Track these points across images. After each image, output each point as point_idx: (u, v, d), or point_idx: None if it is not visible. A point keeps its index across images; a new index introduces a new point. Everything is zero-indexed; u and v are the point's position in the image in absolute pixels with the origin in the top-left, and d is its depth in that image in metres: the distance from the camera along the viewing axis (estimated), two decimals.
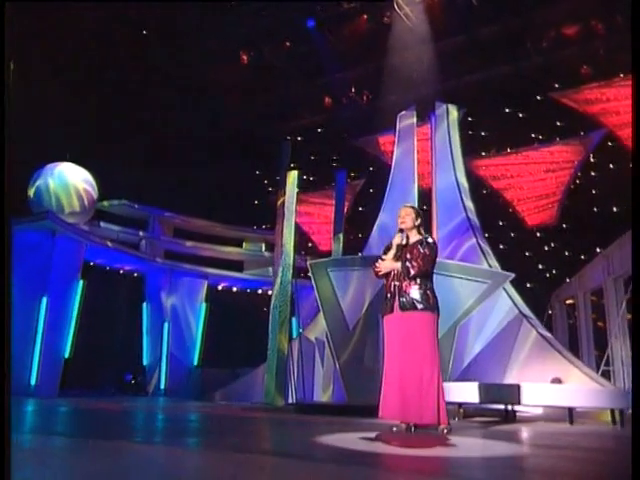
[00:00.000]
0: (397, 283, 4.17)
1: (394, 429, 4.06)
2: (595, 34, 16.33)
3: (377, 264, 4.31)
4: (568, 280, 15.99)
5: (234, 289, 16.89)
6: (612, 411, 6.90)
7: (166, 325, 14.66)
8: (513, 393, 6.10)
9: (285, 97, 17.77)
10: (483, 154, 18.88)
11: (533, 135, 19.39)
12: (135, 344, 14.88)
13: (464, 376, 8.52)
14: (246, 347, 14.48)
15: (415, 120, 12.49)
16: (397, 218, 4.41)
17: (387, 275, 4.28)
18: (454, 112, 12.34)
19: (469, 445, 3.78)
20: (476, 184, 15.42)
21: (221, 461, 2.66)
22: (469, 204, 11.57)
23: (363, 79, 16.51)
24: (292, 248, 10.24)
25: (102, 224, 14.32)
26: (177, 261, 15.38)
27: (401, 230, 4.31)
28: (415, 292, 4.10)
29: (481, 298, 9.41)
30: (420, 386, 3.95)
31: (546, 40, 15.92)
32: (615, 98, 18.02)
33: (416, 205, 11.11)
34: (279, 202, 10.86)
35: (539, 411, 8.13)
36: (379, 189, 17.86)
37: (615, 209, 18.77)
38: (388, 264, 4.24)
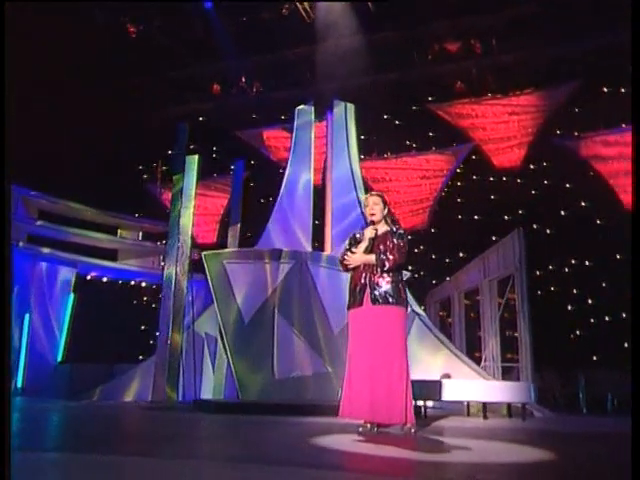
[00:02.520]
0: (368, 276, 4.01)
1: (360, 429, 3.89)
2: (472, 53, 17.46)
3: (346, 257, 4.12)
4: (434, 282, 17.04)
5: (104, 279, 15.66)
6: (509, 405, 7.34)
7: (27, 316, 13.18)
8: (435, 389, 6.23)
9: (169, 79, 16.88)
10: (362, 157, 19.38)
11: (408, 142, 20.30)
12: None
13: None
14: (119, 342, 13.50)
15: (313, 115, 12.48)
16: (364, 208, 4.26)
17: (355, 267, 4.10)
18: (352, 110, 12.51)
19: (481, 448, 3.66)
20: None
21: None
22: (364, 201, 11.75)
23: (255, 69, 16.14)
24: (190, 238, 9.67)
25: None
26: (42, 246, 13.87)
27: (372, 222, 4.16)
28: (387, 285, 3.98)
29: None
30: (389, 384, 3.82)
31: (431, 53, 16.69)
32: (483, 115, 19.45)
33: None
34: (175, 188, 10.19)
35: (430, 404, 8.45)
36: (261, 183, 17.67)
37: (476, 217, 20.26)
38: (359, 257, 4.07)
